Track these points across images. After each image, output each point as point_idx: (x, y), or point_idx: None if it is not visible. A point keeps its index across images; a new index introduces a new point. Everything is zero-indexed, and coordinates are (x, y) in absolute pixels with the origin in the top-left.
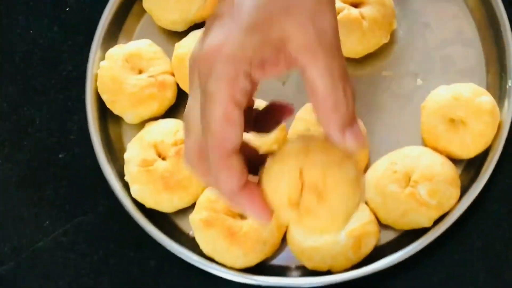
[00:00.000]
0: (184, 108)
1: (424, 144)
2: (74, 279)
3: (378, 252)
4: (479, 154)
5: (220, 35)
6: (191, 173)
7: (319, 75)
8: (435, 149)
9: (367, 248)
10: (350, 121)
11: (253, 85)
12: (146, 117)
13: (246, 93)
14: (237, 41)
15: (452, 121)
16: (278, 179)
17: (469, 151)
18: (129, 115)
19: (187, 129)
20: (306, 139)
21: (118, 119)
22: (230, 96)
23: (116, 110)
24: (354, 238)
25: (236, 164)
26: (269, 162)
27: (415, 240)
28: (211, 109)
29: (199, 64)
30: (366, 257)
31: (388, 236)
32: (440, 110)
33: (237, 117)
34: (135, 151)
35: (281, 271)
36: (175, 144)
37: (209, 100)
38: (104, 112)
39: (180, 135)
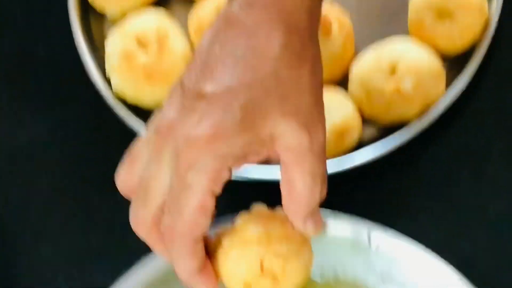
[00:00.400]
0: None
1: (411, 36)
2: (56, 174)
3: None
4: (466, 51)
5: (209, 123)
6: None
7: (302, 177)
8: (422, 41)
9: (350, 142)
10: (314, 212)
11: (231, 172)
12: (129, 10)
13: (224, 183)
14: (229, 139)
15: (440, 13)
16: (237, 264)
17: (455, 45)
18: (112, 8)
19: (143, 196)
20: (266, 223)
21: (101, 18)
22: (209, 189)
23: (97, 3)
24: (336, 133)
25: (200, 250)
26: (228, 244)
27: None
28: (187, 199)
29: (181, 147)
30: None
31: (372, 132)
32: (429, 1)
33: (211, 206)
34: (116, 41)
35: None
36: (158, 34)
37: (187, 189)
38: (86, 9)
39: (164, 25)
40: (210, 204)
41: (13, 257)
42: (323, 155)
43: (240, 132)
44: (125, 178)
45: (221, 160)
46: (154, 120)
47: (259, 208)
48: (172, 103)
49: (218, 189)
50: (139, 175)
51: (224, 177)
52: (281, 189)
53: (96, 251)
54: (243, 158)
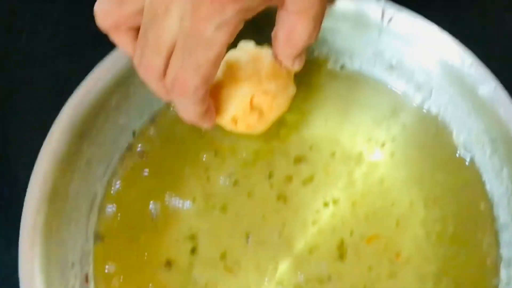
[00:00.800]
0: None
1: None
2: None
3: None
4: None
5: None
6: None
7: (306, 23)
8: None
9: None
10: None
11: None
12: None
13: None
14: None
15: None
16: (230, 101)
17: None
18: None
19: (153, 43)
20: (256, 62)
21: None
22: (226, 43)
23: None
24: None
25: (208, 97)
26: (223, 81)
27: None
28: (206, 52)
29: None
30: None
31: None
32: None
33: (223, 56)
34: None
35: None
36: None
37: (206, 42)
38: None
39: None
40: (224, 55)
41: None
42: (326, 1)
43: None
44: (110, 10)
45: (242, 14)
46: None
47: (247, 45)
48: None
49: (231, 41)
50: (130, 13)
51: (239, 30)
52: (277, 34)
53: None
54: (255, 10)
